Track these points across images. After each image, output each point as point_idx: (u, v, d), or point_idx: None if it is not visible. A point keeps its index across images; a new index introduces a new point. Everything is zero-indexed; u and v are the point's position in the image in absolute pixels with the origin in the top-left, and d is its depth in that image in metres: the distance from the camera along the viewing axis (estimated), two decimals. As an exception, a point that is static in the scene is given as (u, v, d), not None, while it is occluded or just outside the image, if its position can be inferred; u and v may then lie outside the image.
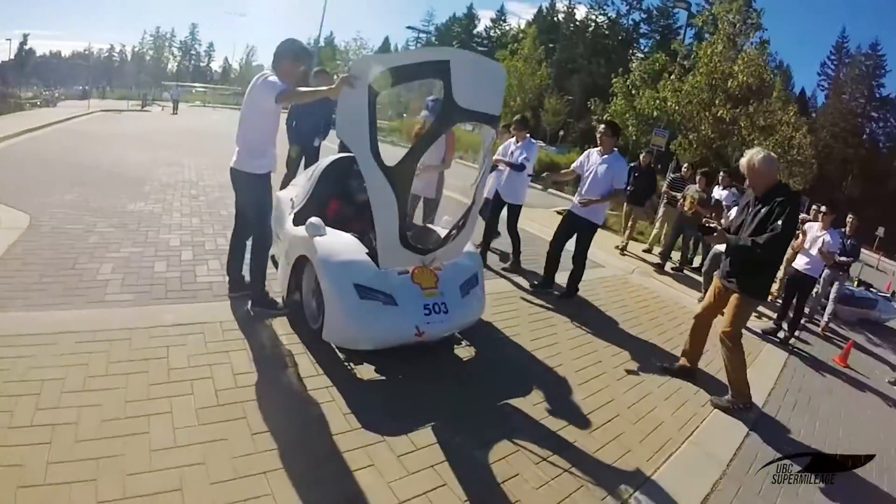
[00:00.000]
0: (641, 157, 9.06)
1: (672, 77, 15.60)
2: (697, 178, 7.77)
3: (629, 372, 4.09)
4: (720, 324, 3.88)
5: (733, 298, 3.79)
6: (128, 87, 52.20)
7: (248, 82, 3.64)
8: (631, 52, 59.88)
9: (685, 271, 8.20)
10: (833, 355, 6.08)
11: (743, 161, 3.75)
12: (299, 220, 3.87)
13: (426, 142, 3.30)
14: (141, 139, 13.36)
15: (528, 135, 6.07)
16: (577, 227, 5.37)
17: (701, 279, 7.10)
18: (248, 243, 3.85)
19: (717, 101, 14.74)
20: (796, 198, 3.79)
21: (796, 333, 6.33)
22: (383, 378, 3.23)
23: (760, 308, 6.63)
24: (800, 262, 6.35)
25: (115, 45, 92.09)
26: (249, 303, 3.75)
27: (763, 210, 3.62)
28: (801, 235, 6.39)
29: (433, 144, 3.50)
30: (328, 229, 3.58)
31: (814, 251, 6.22)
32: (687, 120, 15.14)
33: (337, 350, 3.40)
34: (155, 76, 67.76)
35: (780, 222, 3.46)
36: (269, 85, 3.37)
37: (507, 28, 71.68)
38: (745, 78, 14.39)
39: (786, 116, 17.83)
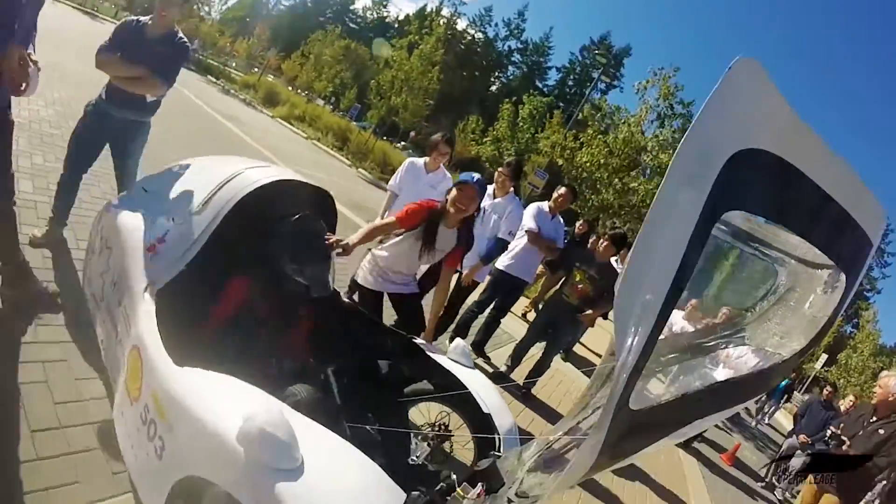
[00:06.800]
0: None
1: (590, 131, 15.61)
2: (601, 242, 4.87)
3: None
4: None
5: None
6: None
7: None
8: (497, 74, 63.03)
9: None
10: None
11: (888, 385, 4.09)
12: (170, 306, 1.96)
13: None
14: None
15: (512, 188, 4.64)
16: None
17: None
18: None
19: (632, 172, 14.77)
20: None
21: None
22: None
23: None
24: None
25: None
26: None
27: (882, 432, 3.98)
28: None
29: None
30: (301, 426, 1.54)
31: None
32: (591, 179, 14.86)
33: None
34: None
35: None
36: None
37: (386, 14, 70.63)
38: (666, 159, 14.26)
39: None
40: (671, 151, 14.11)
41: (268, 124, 17.89)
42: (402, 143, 36.04)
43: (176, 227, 2.25)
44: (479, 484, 1.81)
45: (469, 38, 59.65)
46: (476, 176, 3.04)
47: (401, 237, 3.00)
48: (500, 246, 4.51)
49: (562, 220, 5.23)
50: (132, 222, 2.34)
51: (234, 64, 39.95)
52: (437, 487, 1.85)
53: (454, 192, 2.96)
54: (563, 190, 5.08)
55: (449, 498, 1.86)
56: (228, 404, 1.53)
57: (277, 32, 51.39)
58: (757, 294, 1.66)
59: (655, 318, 0.95)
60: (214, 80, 24.05)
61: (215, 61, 31.26)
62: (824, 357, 25.97)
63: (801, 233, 1.19)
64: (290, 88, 34.65)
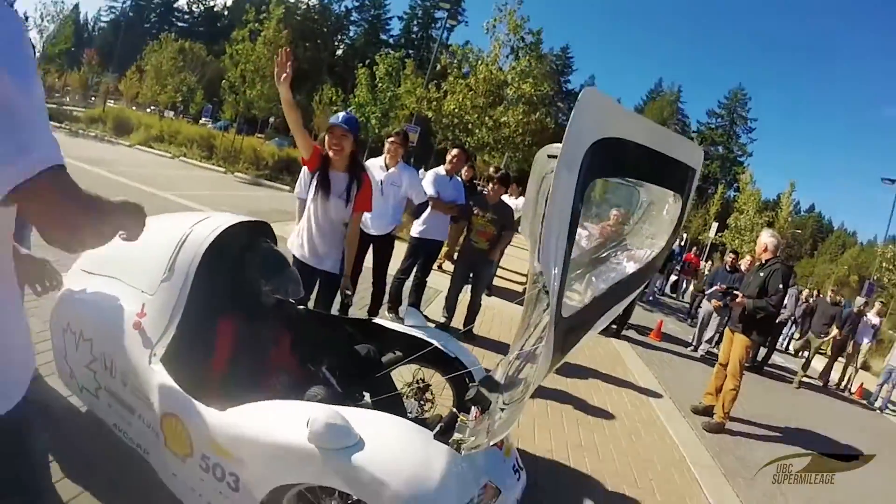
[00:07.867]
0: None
1: (451, 78, 15.80)
2: (491, 185, 5.75)
3: None
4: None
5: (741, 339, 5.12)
6: None
7: None
8: (339, 37, 61.46)
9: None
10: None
11: (764, 241, 5.22)
12: (180, 367, 2.20)
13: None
14: None
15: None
16: None
17: None
18: None
19: (499, 108, 15.25)
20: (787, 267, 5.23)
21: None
22: None
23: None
24: None
25: None
26: None
27: (762, 274, 5.07)
28: None
29: None
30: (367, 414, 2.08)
31: None
32: (462, 123, 15.33)
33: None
34: None
35: (780, 285, 4.95)
36: None
37: (213, 4, 65.93)
38: (528, 88, 14.99)
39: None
40: (531, 80, 15.09)
41: (131, 155, 16.81)
42: (264, 132, 35.06)
43: (150, 297, 2.34)
44: (473, 408, 2.33)
45: (304, 6, 57.37)
46: (340, 115, 3.23)
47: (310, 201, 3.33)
48: (422, 209, 5.05)
49: (459, 178, 5.73)
50: (100, 307, 2.37)
51: (68, 99, 36.27)
52: (440, 423, 2.33)
53: (326, 138, 3.15)
54: (455, 151, 5.51)
55: (456, 424, 2.36)
56: (284, 420, 1.93)
57: (107, 54, 46.97)
58: (630, 210, 2.29)
59: (564, 250, 1.47)
60: (58, 124, 21.67)
61: (51, 103, 27.96)
62: (715, 225, 28.66)
63: (646, 179, 1.86)
64: (134, 108, 32.11)
